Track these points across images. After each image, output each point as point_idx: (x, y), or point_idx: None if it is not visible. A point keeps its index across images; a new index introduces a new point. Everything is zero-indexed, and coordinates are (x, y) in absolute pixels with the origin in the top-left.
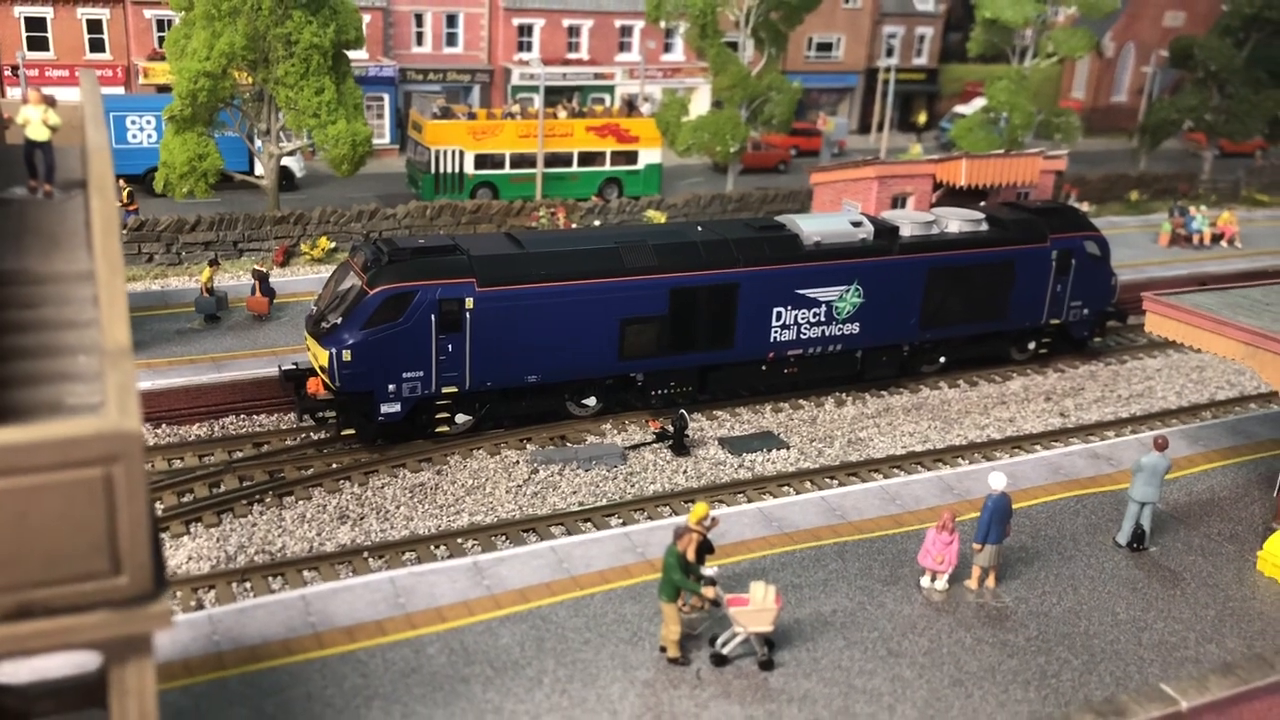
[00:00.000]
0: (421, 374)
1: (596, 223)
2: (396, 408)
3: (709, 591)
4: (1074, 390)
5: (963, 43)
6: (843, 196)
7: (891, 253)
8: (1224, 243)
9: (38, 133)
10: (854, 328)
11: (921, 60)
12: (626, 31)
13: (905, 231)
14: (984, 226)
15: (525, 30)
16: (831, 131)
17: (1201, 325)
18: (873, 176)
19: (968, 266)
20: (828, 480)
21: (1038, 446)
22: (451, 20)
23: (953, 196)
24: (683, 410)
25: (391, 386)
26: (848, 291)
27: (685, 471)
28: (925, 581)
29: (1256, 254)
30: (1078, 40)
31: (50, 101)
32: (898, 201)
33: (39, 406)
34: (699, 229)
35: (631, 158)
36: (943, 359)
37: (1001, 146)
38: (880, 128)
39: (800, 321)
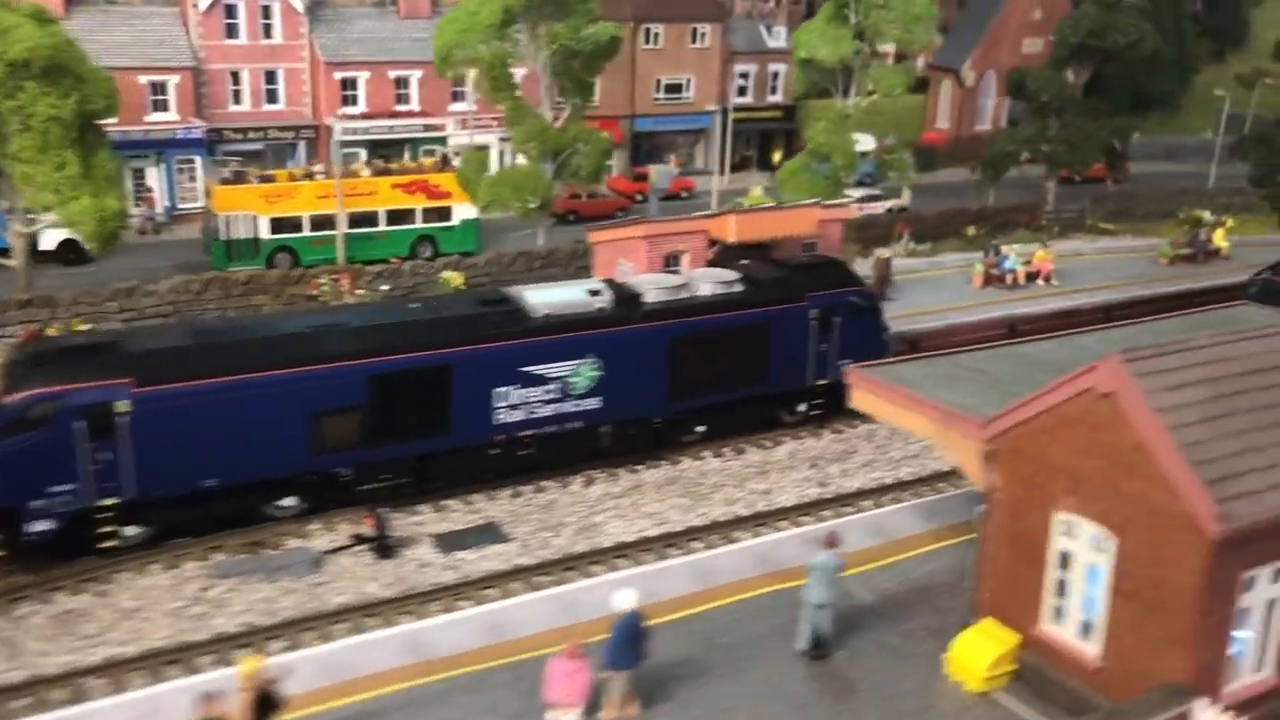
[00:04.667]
0: (72, 487)
1: (385, 287)
2: (49, 524)
3: None
4: (845, 454)
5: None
6: (618, 257)
7: (632, 321)
8: (1040, 280)
9: None
10: (594, 403)
11: (777, 98)
12: (459, 80)
13: (649, 297)
14: (737, 287)
15: (349, 84)
16: (655, 180)
17: (899, 402)
18: (641, 236)
19: (717, 331)
20: (541, 577)
21: (784, 521)
22: (271, 77)
23: (738, 252)
24: (378, 510)
25: (38, 502)
26: (583, 365)
27: (382, 578)
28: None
29: (1073, 291)
30: (895, 77)
31: None
32: (670, 261)
33: None
34: (413, 306)
35: (444, 214)
36: (700, 428)
37: (825, 190)
38: (734, 169)
39: (531, 400)
